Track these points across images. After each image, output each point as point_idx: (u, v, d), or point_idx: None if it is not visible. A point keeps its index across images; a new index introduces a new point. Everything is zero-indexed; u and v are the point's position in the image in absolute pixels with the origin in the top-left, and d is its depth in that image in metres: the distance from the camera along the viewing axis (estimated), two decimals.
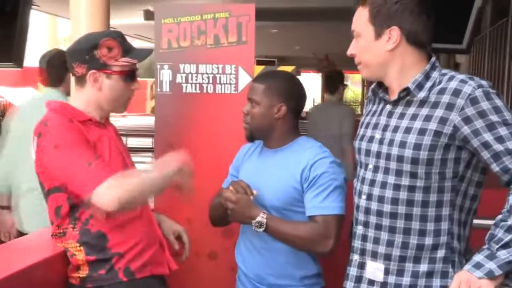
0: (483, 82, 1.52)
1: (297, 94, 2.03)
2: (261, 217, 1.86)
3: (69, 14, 2.65)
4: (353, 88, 35.63)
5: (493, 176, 1.56)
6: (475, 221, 1.67)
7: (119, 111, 1.99)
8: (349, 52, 1.67)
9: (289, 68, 8.42)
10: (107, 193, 1.69)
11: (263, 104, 1.97)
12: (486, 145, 1.48)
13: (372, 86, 1.75)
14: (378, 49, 1.60)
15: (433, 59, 1.62)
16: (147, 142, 10.65)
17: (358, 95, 29.85)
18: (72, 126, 1.80)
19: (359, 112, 22.93)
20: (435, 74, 1.59)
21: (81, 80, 1.90)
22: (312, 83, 24.83)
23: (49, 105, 1.91)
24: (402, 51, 1.59)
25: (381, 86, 1.70)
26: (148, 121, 15.28)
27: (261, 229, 1.87)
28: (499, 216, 1.47)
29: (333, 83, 5.01)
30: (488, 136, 1.47)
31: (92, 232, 1.84)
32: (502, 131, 1.47)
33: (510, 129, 1.47)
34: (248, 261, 2.05)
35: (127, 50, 1.90)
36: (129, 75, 1.92)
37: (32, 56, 8.02)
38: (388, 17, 1.57)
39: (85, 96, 1.91)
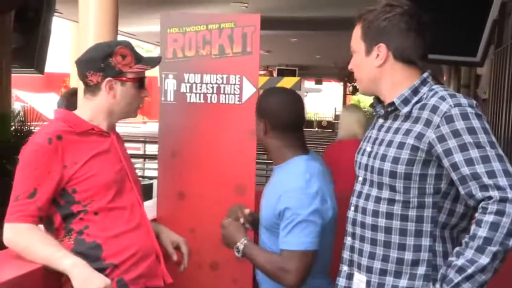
0: (463, 101, 1.48)
1: (279, 111, 1.97)
2: (240, 243, 1.93)
3: (78, 19, 2.66)
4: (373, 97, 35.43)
5: None
6: None
7: (127, 118, 2.05)
8: (349, 67, 1.71)
9: (293, 80, 8.35)
10: (5, 232, 1.77)
11: (256, 122, 2.05)
12: (454, 167, 1.45)
13: (372, 101, 1.76)
14: (368, 65, 1.63)
15: (425, 74, 1.61)
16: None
17: None
18: (46, 149, 1.80)
19: None
20: (423, 90, 1.58)
21: (94, 89, 1.91)
22: (333, 92, 24.76)
23: (56, 114, 1.94)
24: (390, 67, 1.61)
25: (380, 101, 1.70)
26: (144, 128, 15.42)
27: (239, 255, 1.93)
28: (455, 249, 1.43)
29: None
30: (458, 157, 1.43)
31: (87, 242, 1.84)
32: (473, 153, 1.42)
33: (482, 153, 1.41)
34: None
35: (138, 57, 1.94)
36: (141, 83, 1.97)
37: (55, 63, 8.14)
38: (377, 34, 1.60)
39: (95, 104, 1.93)
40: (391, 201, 1.56)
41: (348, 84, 20.12)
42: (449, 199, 1.54)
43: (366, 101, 34.48)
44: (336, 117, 23.62)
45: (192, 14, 2.55)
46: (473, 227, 1.41)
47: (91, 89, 1.92)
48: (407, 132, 1.54)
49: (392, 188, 1.55)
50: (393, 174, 1.54)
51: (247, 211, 2.01)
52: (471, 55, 3.33)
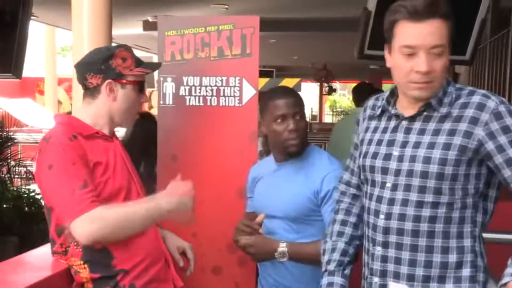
0: (503, 99, 1.52)
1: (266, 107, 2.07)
2: (282, 248, 1.93)
3: (72, 26, 2.63)
4: (350, 98, 35.70)
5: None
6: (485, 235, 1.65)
7: (127, 124, 2.02)
8: (428, 68, 1.48)
9: (293, 81, 8.41)
10: (83, 227, 1.70)
11: (305, 116, 2.09)
12: (509, 162, 1.47)
13: (376, 103, 1.70)
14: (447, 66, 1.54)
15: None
16: None
17: None
18: (72, 146, 1.77)
19: None
20: (450, 89, 1.56)
21: (93, 92, 1.89)
22: (310, 93, 24.88)
23: (56, 119, 1.90)
24: None
25: (389, 102, 1.66)
26: None
27: (285, 259, 1.93)
28: None
29: (362, 95, 4.87)
30: (511, 153, 1.46)
31: (96, 249, 1.81)
32: None
33: None
34: (272, 269, 2.08)
35: (138, 61, 1.93)
36: (141, 86, 1.95)
37: (29, 67, 8.01)
38: (451, 32, 1.50)
39: (96, 108, 1.90)
40: (435, 204, 1.53)
41: (325, 85, 20.20)
42: (483, 198, 1.56)
43: (342, 102, 34.81)
44: (313, 117, 23.70)
45: (190, 17, 2.54)
46: None
47: (91, 92, 1.90)
48: (452, 132, 1.51)
49: (437, 191, 1.52)
50: (440, 176, 1.51)
51: (260, 218, 1.99)
52: (460, 54, 3.38)
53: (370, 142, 1.68)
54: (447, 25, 1.49)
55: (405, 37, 1.50)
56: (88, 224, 1.70)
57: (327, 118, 29.77)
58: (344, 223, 1.78)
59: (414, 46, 1.48)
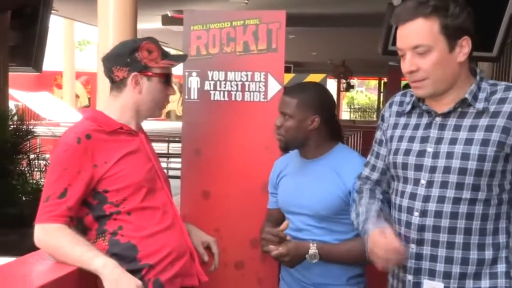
0: None
1: (329, 104, 2.12)
2: (313, 250, 1.95)
3: (97, 21, 2.65)
4: (368, 95, 35.54)
5: None
6: None
7: (154, 116, 2.02)
8: (410, 68, 1.54)
9: (320, 76, 8.39)
10: (37, 233, 1.76)
11: (297, 117, 2.03)
12: None
13: (404, 99, 1.69)
14: (452, 62, 1.52)
15: (478, 70, 1.59)
16: (163, 147, 10.66)
17: (374, 101, 29.77)
18: (76, 148, 1.78)
19: (375, 119, 22.84)
20: (484, 85, 1.56)
21: (119, 85, 1.91)
22: (328, 89, 24.83)
23: (84, 113, 1.92)
24: (466, 62, 1.55)
25: (420, 99, 1.65)
26: (164, 126, 15.33)
27: (316, 260, 1.96)
28: None
29: None
30: None
31: (121, 243, 1.83)
32: None
33: None
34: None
35: (164, 53, 1.93)
36: (168, 79, 1.95)
37: (47, 61, 8.08)
38: (461, 26, 1.50)
39: (122, 102, 1.91)
40: (473, 201, 1.53)
41: (343, 81, 20.13)
42: None
43: (359, 98, 34.64)
44: None
45: (216, 11, 2.54)
46: None
47: (117, 85, 1.91)
48: (489, 128, 1.51)
49: (475, 187, 1.52)
50: (479, 173, 1.51)
51: (284, 225, 1.98)
52: (487, 50, 3.34)
53: (400, 139, 1.67)
54: (434, 22, 1.50)
55: (397, 41, 1.57)
56: (40, 234, 1.76)
57: (345, 115, 29.65)
58: (372, 196, 1.78)
59: (401, 48, 1.56)
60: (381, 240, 1.55)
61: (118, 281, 1.68)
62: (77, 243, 1.74)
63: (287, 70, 15.18)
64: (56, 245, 1.75)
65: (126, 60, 1.87)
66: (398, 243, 1.54)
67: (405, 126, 1.68)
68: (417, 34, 1.51)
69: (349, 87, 21.24)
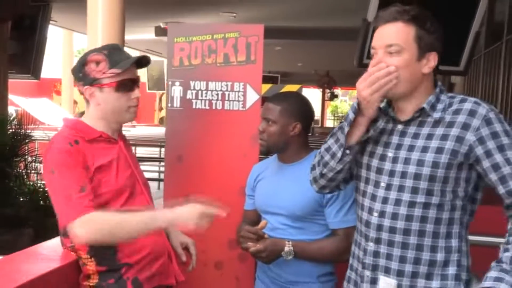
0: (492, 106, 1.53)
1: (309, 113, 2.15)
2: (288, 247, 1.98)
3: (86, 30, 2.64)
4: (351, 104, 35.69)
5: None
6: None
7: (126, 121, 1.94)
8: (388, 63, 1.53)
9: (295, 87, 8.44)
10: (78, 230, 1.68)
11: (279, 123, 2.06)
12: (496, 167, 1.47)
13: (382, 104, 1.68)
14: (416, 70, 1.54)
15: (439, 83, 1.61)
16: (155, 151, 10.63)
17: None
18: (71, 151, 1.76)
19: None
20: (443, 97, 1.58)
21: (86, 98, 1.88)
22: (313, 98, 24.90)
23: (64, 122, 1.89)
24: (430, 75, 1.57)
25: (390, 105, 1.66)
26: (156, 131, 15.29)
27: (290, 257, 1.98)
28: (505, 240, 1.47)
29: None
30: (499, 158, 1.47)
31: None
32: (510, 154, 1.47)
33: None
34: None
35: (115, 61, 1.84)
36: (122, 85, 1.85)
37: (46, 68, 8.06)
38: (432, 41, 1.52)
39: (91, 114, 1.89)
40: (427, 205, 1.53)
41: (327, 91, 20.21)
42: (472, 201, 1.58)
43: (343, 107, 34.76)
44: (315, 121, 23.73)
45: (198, 24, 2.54)
46: None
47: (85, 98, 1.89)
48: (444, 137, 1.52)
49: (429, 192, 1.53)
50: (432, 178, 1.51)
51: (262, 224, 2.00)
52: (455, 65, 3.37)
53: (369, 140, 1.68)
54: (412, 29, 1.51)
55: (373, 40, 1.57)
56: (82, 228, 1.68)
57: (329, 123, 29.77)
58: None
59: (375, 46, 1.56)
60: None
61: (187, 215, 1.73)
62: (125, 215, 1.71)
63: (274, 80, 15.22)
64: (109, 226, 1.70)
65: (79, 75, 1.85)
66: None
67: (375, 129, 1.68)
68: (394, 34, 1.53)
69: (333, 96, 21.32)
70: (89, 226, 1.68)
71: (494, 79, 6.98)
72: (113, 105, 1.85)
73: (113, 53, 1.85)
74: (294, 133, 2.06)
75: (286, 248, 1.97)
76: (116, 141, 1.92)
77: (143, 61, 1.90)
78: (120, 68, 1.83)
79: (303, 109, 2.10)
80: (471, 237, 1.64)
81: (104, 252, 1.80)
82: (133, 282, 1.82)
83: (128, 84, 1.87)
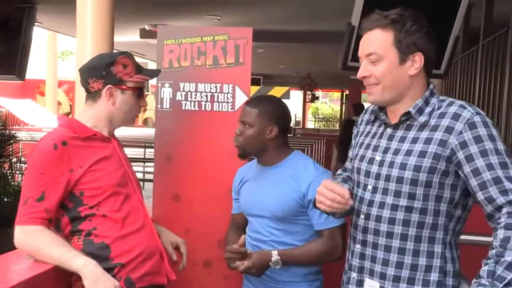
0: (480, 111, 1.49)
1: (286, 116, 2.15)
2: (275, 257, 1.96)
3: (76, 33, 2.62)
4: (332, 106, 35.90)
5: None
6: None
7: (128, 124, 2.01)
8: (363, 74, 1.55)
9: (282, 90, 8.46)
10: (18, 235, 1.74)
11: (256, 126, 2.05)
12: (476, 172, 1.43)
13: (373, 108, 1.68)
14: (401, 74, 1.52)
15: (431, 86, 1.58)
16: (139, 152, 10.54)
17: (336, 112, 30.06)
18: (52, 154, 1.75)
19: (337, 128, 23.08)
20: (433, 100, 1.55)
21: (94, 96, 1.88)
22: (294, 100, 24.97)
23: (59, 120, 1.88)
24: (419, 77, 1.54)
25: (382, 109, 1.64)
26: (140, 132, 15.17)
27: (279, 266, 1.97)
28: (493, 251, 1.38)
29: (360, 111, 5.07)
30: (479, 163, 1.42)
31: (95, 243, 1.81)
32: (493, 159, 1.41)
33: (501, 159, 1.42)
34: None
35: (139, 68, 1.91)
36: (140, 92, 1.93)
37: (30, 69, 7.96)
38: (415, 42, 1.49)
39: (96, 111, 1.89)
40: (409, 209, 1.51)
41: (308, 93, 20.27)
42: (459, 207, 1.54)
43: (324, 109, 34.92)
44: (297, 122, 23.79)
45: (188, 27, 2.54)
46: (502, 231, 1.37)
47: (92, 95, 1.89)
48: (428, 140, 1.49)
49: (412, 196, 1.50)
50: (414, 182, 1.49)
51: (241, 240, 1.97)
52: (436, 68, 3.41)
53: (361, 145, 1.68)
54: (390, 34, 1.51)
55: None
56: (20, 235, 1.73)
57: (310, 124, 29.87)
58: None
59: (359, 55, 1.58)
60: (330, 184, 1.55)
61: (98, 280, 1.67)
62: (57, 244, 1.72)
63: (257, 82, 15.23)
64: (36, 246, 1.72)
65: (102, 73, 1.85)
66: (345, 191, 1.52)
67: (367, 134, 1.69)
68: (372, 43, 1.53)
69: (314, 98, 21.40)
70: (27, 237, 1.73)
71: (471, 81, 7.09)
72: (128, 107, 1.91)
73: (135, 60, 1.93)
74: (271, 136, 2.05)
75: (273, 258, 1.96)
76: (109, 141, 1.92)
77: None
78: (148, 75, 1.93)
79: (280, 112, 2.09)
80: (471, 237, 1.61)
81: (97, 251, 1.79)
82: (126, 281, 1.81)
83: (143, 92, 1.96)
